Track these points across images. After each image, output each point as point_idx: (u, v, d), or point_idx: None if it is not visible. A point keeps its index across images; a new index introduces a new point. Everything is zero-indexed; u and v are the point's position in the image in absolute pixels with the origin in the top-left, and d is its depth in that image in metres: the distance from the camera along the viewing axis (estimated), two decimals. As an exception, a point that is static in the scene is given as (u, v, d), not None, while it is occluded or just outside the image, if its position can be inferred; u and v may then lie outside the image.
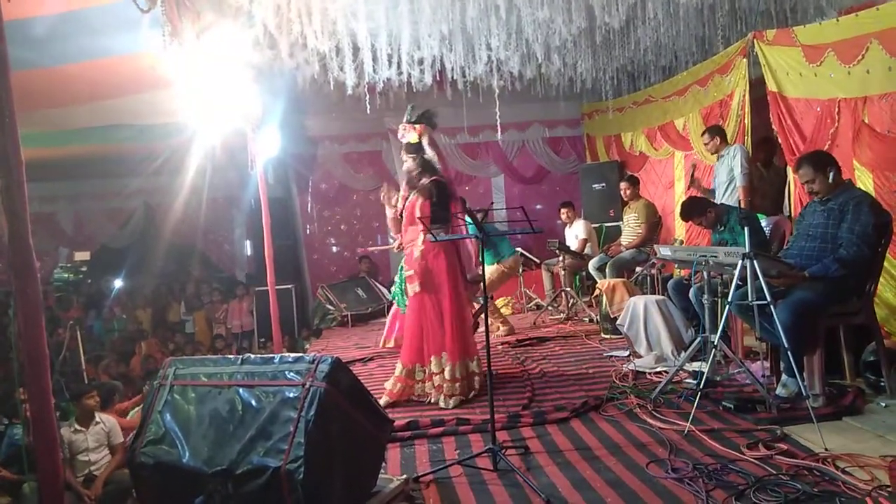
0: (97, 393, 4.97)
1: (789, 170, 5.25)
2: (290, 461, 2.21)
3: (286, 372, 2.44)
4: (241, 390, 2.48)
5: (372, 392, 2.74)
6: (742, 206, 4.92)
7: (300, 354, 2.55)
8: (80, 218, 11.15)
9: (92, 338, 8.61)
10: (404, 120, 4.31)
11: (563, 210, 7.64)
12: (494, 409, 3.13)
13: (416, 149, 4.25)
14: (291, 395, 2.36)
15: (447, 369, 4.08)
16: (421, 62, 5.91)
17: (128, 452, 2.70)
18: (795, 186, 5.10)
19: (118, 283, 10.21)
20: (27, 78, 3.97)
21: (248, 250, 10.39)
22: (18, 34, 3.51)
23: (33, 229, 2.15)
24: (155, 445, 2.53)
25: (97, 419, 4.76)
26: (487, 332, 3.25)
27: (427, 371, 4.18)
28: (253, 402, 2.42)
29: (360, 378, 2.63)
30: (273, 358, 2.57)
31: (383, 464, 2.87)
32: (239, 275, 10.94)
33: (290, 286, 8.61)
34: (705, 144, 5.60)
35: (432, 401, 4.12)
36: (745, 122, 5.52)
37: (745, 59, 5.45)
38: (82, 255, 10.84)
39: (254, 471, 2.26)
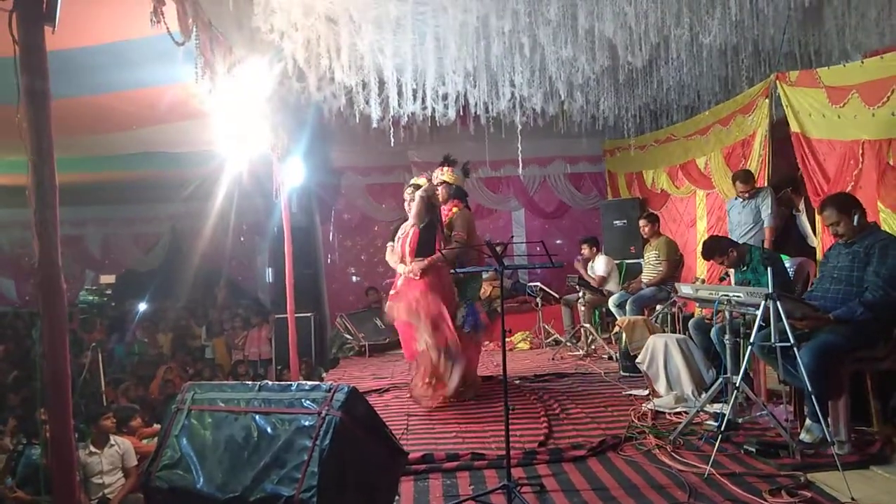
0: (113, 415, 5.00)
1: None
2: (303, 490, 2.20)
3: (303, 400, 2.45)
4: (257, 417, 2.49)
5: (388, 423, 2.73)
6: (766, 246, 4.87)
7: (317, 383, 2.56)
8: (107, 242, 11.38)
9: (113, 360, 8.69)
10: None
11: (584, 246, 7.62)
12: (510, 445, 3.10)
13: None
14: (307, 423, 2.36)
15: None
16: (445, 97, 6.02)
17: (142, 476, 2.71)
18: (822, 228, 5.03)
19: (141, 307, 10.34)
20: (67, 106, 4.12)
21: (270, 277, 10.46)
22: (61, 64, 3.66)
23: (62, 252, 2.19)
24: (170, 470, 2.54)
25: (112, 441, 4.79)
26: (504, 363, 3.23)
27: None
28: (268, 430, 2.43)
29: (376, 409, 2.63)
30: (290, 385, 2.58)
31: (397, 497, 2.84)
32: (263, 299, 10.99)
33: (309, 314, 8.65)
34: (740, 192, 5.46)
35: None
36: (767, 161, 5.50)
37: (767, 100, 5.46)
38: (107, 279, 11.02)
39: (267, 498, 2.25)
